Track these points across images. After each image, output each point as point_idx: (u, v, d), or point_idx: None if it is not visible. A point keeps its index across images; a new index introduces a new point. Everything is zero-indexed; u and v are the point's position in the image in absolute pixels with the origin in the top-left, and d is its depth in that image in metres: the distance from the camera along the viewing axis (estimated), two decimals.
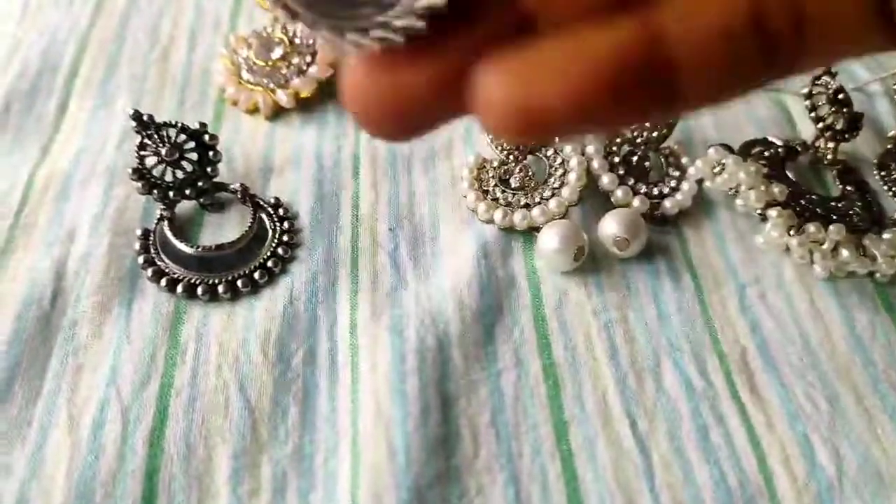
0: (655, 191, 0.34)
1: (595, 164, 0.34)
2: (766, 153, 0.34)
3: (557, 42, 0.14)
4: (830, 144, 0.35)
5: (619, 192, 0.33)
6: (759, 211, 0.32)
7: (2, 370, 0.29)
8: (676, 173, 0.34)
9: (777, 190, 0.32)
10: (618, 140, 0.35)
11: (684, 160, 0.34)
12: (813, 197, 0.33)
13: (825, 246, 0.31)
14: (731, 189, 0.33)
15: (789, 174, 0.34)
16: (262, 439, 0.27)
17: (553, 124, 0.14)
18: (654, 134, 0.34)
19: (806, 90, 0.35)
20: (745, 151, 0.35)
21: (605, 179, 0.34)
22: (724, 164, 0.33)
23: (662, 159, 0.35)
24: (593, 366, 0.29)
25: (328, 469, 0.27)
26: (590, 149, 0.34)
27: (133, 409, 0.28)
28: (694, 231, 0.34)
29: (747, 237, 0.33)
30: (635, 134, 0.35)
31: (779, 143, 0.35)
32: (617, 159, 0.34)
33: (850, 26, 0.15)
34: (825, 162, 0.35)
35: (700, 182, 0.34)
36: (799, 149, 0.35)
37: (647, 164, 0.34)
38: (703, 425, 0.28)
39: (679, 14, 0.14)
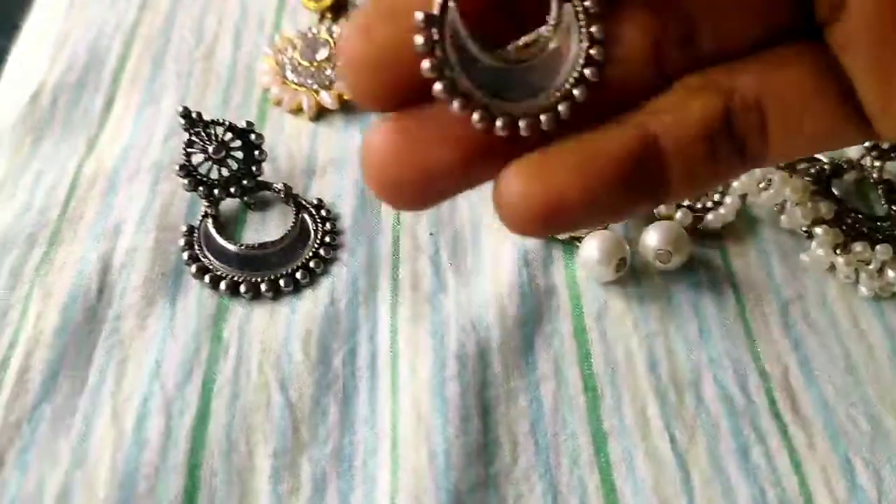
0: (699, 204, 0.33)
1: None
2: (812, 170, 0.34)
3: (571, 145, 0.16)
4: (877, 163, 0.34)
5: (661, 205, 0.33)
6: (804, 228, 0.32)
7: (48, 360, 0.29)
8: (720, 187, 0.34)
9: (824, 207, 0.32)
10: None
11: None
12: (858, 216, 0.33)
13: (871, 266, 0.31)
14: (776, 205, 0.33)
15: (835, 191, 0.34)
16: (303, 439, 0.27)
17: (568, 215, 0.16)
18: None
19: None
20: (791, 167, 0.34)
21: None
22: (770, 180, 0.33)
23: None
24: (633, 378, 0.29)
25: (367, 471, 0.27)
26: None
27: (176, 404, 0.28)
28: (737, 246, 0.33)
29: (791, 254, 0.33)
30: None
31: (825, 160, 0.35)
32: None
33: (815, 127, 0.17)
34: (871, 180, 0.35)
35: (743, 197, 0.34)
36: (845, 166, 0.35)
37: None
38: (743, 443, 0.27)
39: (668, 116, 0.17)
